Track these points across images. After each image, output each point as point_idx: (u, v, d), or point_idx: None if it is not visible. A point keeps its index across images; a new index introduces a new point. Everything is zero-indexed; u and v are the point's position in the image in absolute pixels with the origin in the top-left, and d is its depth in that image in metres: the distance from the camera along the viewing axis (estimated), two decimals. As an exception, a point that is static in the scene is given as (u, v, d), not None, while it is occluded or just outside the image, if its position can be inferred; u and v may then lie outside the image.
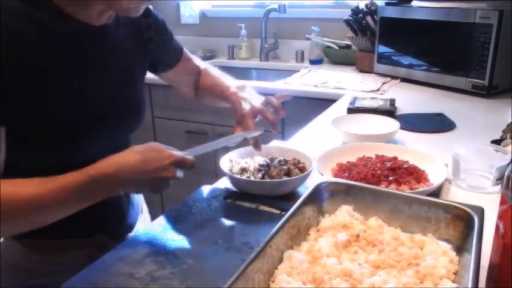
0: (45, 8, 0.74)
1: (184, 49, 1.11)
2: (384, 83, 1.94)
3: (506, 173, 0.56)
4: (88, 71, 0.81)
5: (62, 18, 0.75)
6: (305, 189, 0.77)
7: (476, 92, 1.71)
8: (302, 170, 0.95)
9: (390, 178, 0.90)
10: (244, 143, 0.97)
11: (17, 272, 0.87)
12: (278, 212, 0.87)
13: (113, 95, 0.86)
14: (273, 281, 0.58)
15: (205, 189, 0.97)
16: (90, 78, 0.81)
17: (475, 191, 0.94)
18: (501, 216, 0.57)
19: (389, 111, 1.44)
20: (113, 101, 0.86)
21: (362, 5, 2.16)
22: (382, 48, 2.02)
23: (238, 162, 0.98)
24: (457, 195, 0.93)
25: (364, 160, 1.00)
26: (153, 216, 1.08)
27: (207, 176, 1.26)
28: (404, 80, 1.97)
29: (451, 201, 0.68)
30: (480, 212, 0.64)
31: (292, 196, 0.92)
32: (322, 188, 0.73)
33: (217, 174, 1.00)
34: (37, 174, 0.70)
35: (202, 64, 1.18)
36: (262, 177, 0.92)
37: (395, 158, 0.99)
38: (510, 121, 1.23)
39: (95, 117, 0.82)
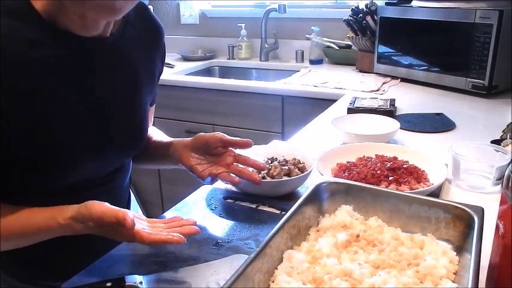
0: (32, 21, 0.68)
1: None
2: (383, 83, 1.94)
3: (506, 173, 0.56)
4: (80, 86, 0.75)
5: (50, 31, 0.70)
6: (305, 189, 0.77)
7: (476, 92, 1.70)
8: (302, 170, 0.95)
9: (390, 178, 0.91)
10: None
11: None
12: (278, 212, 0.87)
13: (106, 117, 0.80)
14: (273, 281, 0.58)
15: (205, 189, 0.97)
16: (84, 96, 0.76)
17: (475, 191, 0.94)
18: (501, 216, 0.57)
19: (389, 111, 1.44)
20: (108, 121, 0.81)
21: (362, 5, 2.16)
22: (382, 48, 2.02)
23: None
24: (457, 195, 0.93)
25: (364, 160, 1.00)
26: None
27: (207, 176, 1.26)
28: (404, 80, 1.97)
29: (451, 201, 0.68)
30: (480, 212, 0.64)
31: (292, 196, 0.92)
32: (322, 188, 0.73)
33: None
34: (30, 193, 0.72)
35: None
36: (263, 177, 0.92)
37: (395, 158, 0.99)
38: (510, 121, 1.23)
39: (89, 137, 0.78)
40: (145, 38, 0.87)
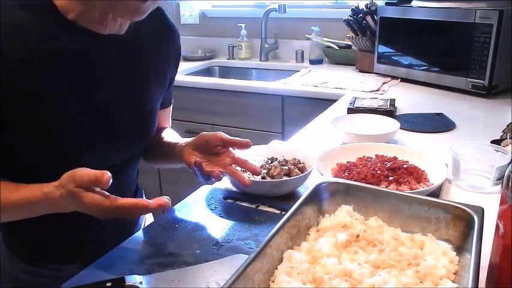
0: (48, 14, 0.70)
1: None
2: (384, 83, 1.94)
3: (506, 173, 0.56)
4: (91, 83, 0.77)
5: (66, 26, 0.72)
6: (305, 189, 0.77)
7: (476, 92, 1.71)
8: (302, 170, 0.95)
9: (390, 178, 0.91)
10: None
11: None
12: (278, 212, 0.87)
13: (112, 113, 0.81)
14: (273, 281, 0.58)
15: (205, 189, 0.97)
16: (91, 92, 0.77)
17: (475, 191, 0.94)
18: (501, 216, 0.57)
19: (389, 111, 1.44)
20: (111, 118, 0.81)
21: (362, 5, 2.16)
22: (382, 48, 2.02)
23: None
24: (457, 195, 0.93)
25: (364, 160, 1.00)
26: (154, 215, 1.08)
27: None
28: (404, 80, 1.97)
29: (451, 201, 0.68)
30: (480, 212, 0.64)
31: (292, 196, 0.92)
32: (322, 188, 0.73)
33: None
34: None
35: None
36: (263, 177, 0.92)
37: (395, 158, 0.99)
38: (510, 121, 1.23)
39: (90, 135, 0.78)
40: (157, 37, 0.88)
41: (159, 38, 0.90)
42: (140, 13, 0.71)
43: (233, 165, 0.88)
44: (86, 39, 0.74)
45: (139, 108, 0.87)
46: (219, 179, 0.86)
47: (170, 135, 1.02)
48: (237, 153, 0.90)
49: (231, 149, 0.89)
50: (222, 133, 0.89)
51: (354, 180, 0.87)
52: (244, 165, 0.88)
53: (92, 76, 0.77)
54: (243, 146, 0.89)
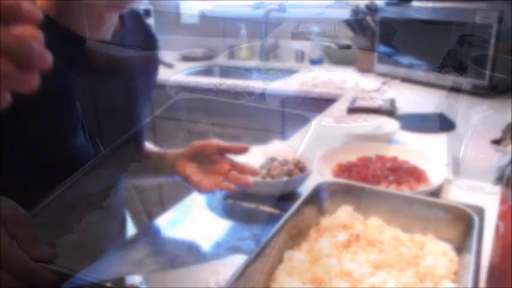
0: None
1: None
2: (383, 83, 1.94)
3: (506, 173, 0.56)
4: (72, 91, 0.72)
5: (51, 29, 0.67)
6: (305, 189, 0.77)
7: (476, 92, 1.70)
8: (302, 170, 0.95)
9: (390, 178, 0.91)
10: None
11: None
12: (278, 212, 0.87)
13: (102, 127, 0.78)
14: (273, 281, 0.58)
15: (205, 189, 0.96)
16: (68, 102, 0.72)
17: (475, 191, 0.94)
18: (501, 216, 0.57)
19: (389, 111, 1.44)
20: (101, 134, 0.78)
21: (362, 5, 2.15)
22: (382, 48, 2.02)
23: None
24: (457, 195, 0.93)
25: (364, 160, 1.00)
26: (153, 216, 1.08)
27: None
28: (405, 80, 1.97)
29: (451, 201, 0.68)
30: (480, 212, 0.64)
31: (292, 196, 0.92)
32: (322, 188, 0.73)
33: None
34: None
35: None
36: (263, 177, 0.92)
37: (395, 158, 0.99)
38: (510, 121, 1.23)
39: (79, 152, 0.74)
40: (141, 46, 0.87)
41: (144, 48, 0.87)
42: (122, 4, 0.68)
43: (232, 172, 0.86)
44: (70, 43, 0.69)
45: (133, 118, 0.85)
46: (233, 190, 0.84)
47: (150, 148, 0.99)
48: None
49: (227, 155, 0.87)
50: (217, 140, 0.87)
51: (354, 180, 0.87)
52: (243, 170, 0.87)
53: (80, 82, 0.72)
54: (240, 151, 0.87)
